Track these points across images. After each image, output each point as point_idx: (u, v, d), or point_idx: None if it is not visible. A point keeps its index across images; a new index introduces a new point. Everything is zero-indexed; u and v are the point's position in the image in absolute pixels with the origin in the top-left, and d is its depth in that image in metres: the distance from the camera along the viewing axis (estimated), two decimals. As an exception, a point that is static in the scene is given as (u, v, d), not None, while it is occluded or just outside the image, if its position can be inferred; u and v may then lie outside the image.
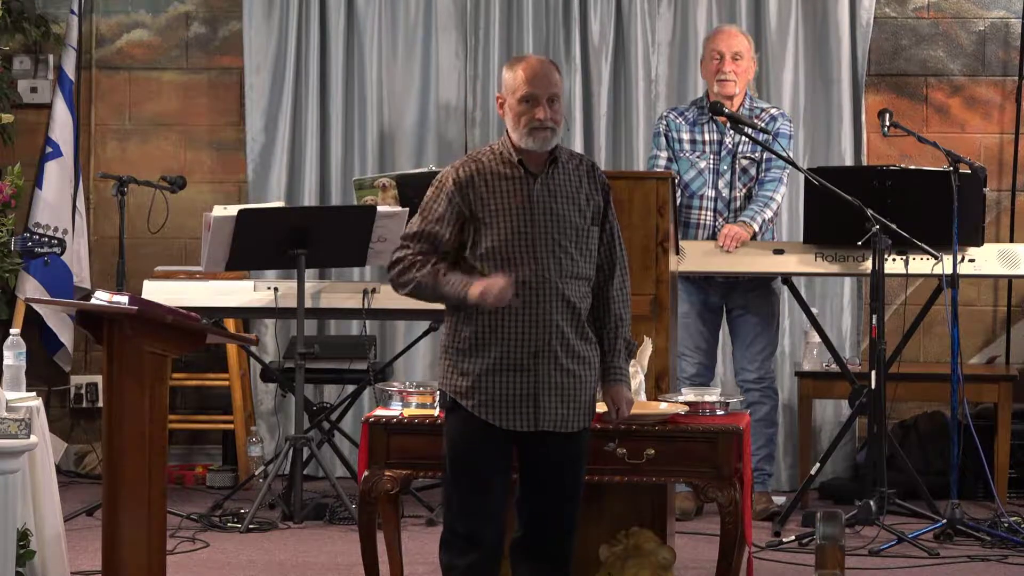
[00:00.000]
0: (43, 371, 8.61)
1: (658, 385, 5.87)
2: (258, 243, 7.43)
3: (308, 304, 7.52)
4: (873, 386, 7.00)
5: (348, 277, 8.44)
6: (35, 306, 8.37)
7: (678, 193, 7.38)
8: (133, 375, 5.03)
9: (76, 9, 8.71)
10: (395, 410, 5.51)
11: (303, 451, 7.53)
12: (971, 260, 7.35)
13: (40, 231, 6.79)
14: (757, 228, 7.51)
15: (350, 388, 8.17)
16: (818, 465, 7.51)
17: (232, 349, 8.49)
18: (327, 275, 8.50)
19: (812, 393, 8.07)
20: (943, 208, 7.10)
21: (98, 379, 8.62)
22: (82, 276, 8.66)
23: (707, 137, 7.62)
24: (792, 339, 8.51)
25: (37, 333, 8.59)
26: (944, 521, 7.04)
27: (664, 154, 7.63)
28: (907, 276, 7.48)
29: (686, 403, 5.53)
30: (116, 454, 5.05)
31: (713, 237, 7.52)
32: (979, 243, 7.34)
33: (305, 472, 7.62)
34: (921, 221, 7.12)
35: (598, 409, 5.07)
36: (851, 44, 8.52)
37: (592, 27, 8.63)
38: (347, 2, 8.71)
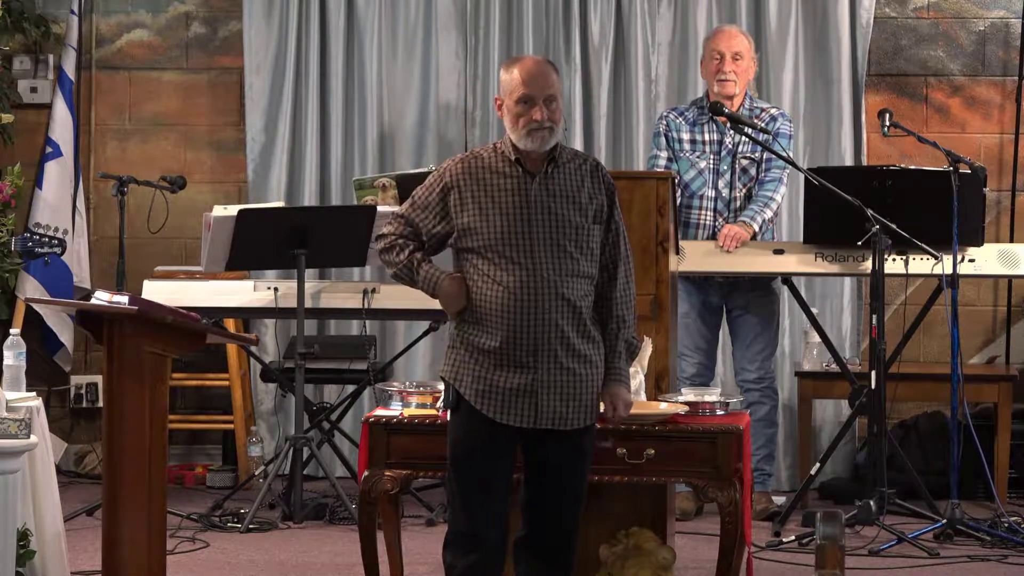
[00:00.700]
0: (43, 371, 8.62)
1: (658, 385, 5.88)
2: (258, 243, 7.43)
3: (308, 304, 7.52)
4: (873, 386, 7.00)
5: (348, 277, 8.44)
6: (35, 306, 8.37)
7: (678, 193, 7.38)
8: (133, 375, 5.03)
9: (76, 9, 8.71)
10: (395, 410, 5.51)
11: (303, 451, 7.53)
12: (971, 260, 7.35)
13: (40, 231, 6.80)
14: (757, 228, 7.51)
15: (350, 388, 8.17)
16: (818, 465, 7.51)
17: (232, 349, 8.49)
18: (327, 275, 8.50)
19: (812, 393, 8.07)
20: (943, 208, 7.10)
21: (98, 379, 8.62)
22: (82, 276, 8.66)
23: (707, 137, 7.62)
24: (792, 339, 8.51)
25: (37, 333, 8.59)
26: (944, 521, 7.04)
27: (664, 154, 7.63)
28: (907, 276, 7.48)
29: (686, 403, 5.53)
30: (116, 454, 5.05)
31: (713, 237, 7.52)
32: (979, 243, 7.34)
33: (305, 472, 7.62)
34: (921, 221, 7.12)
35: (601, 408, 5.07)
36: (851, 44, 8.52)
37: (592, 27, 8.63)
38: (347, 2, 8.71)
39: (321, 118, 8.73)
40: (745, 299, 7.69)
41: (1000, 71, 8.60)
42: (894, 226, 6.98)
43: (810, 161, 8.36)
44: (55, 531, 5.56)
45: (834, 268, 7.43)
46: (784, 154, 7.32)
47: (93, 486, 8.09)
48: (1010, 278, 8.24)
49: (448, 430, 5.06)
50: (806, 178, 7.22)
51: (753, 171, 7.61)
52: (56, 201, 8.58)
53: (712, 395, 5.64)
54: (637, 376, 5.53)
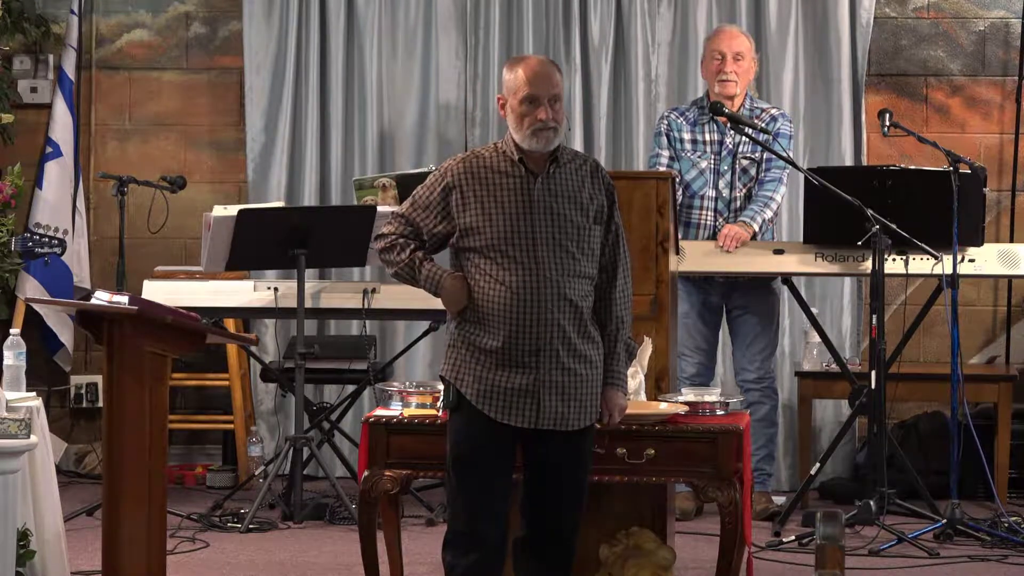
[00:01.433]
0: (43, 371, 8.61)
1: (658, 385, 5.87)
2: (258, 243, 7.43)
3: (308, 304, 7.52)
4: (873, 386, 7.00)
5: (348, 277, 8.44)
6: (35, 306, 8.37)
7: (679, 193, 7.38)
8: (133, 375, 5.03)
9: (76, 9, 8.71)
10: (395, 410, 5.51)
11: (303, 451, 7.53)
12: (971, 260, 7.35)
13: (40, 231, 6.80)
14: (757, 228, 7.51)
15: (350, 388, 8.17)
16: (818, 465, 7.51)
17: (232, 349, 8.49)
18: (327, 275, 8.50)
19: (812, 393, 8.07)
20: (943, 208, 7.10)
21: (98, 379, 8.62)
22: (82, 276, 8.66)
23: (708, 137, 7.62)
24: (792, 339, 8.50)
25: (37, 333, 8.58)
26: (944, 521, 7.04)
27: (666, 153, 7.63)
28: (907, 276, 7.48)
29: (686, 403, 5.53)
30: (116, 454, 5.05)
31: (713, 237, 7.52)
32: (979, 243, 7.34)
33: (305, 472, 7.62)
34: (921, 221, 7.12)
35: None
36: (851, 44, 8.52)
37: (592, 27, 8.63)
38: (347, 2, 8.71)
39: (321, 118, 8.73)
40: (745, 299, 7.69)
41: (1000, 71, 8.60)
42: (894, 226, 6.98)
43: (810, 161, 8.36)
44: (55, 531, 5.56)
45: (834, 268, 7.43)
46: (784, 154, 7.32)
47: (93, 486, 8.09)
48: (1010, 278, 8.24)
49: (448, 430, 5.06)
50: (806, 178, 7.22)
51: (753, 171, 7.61)
52: (56, 201, 8.58)
53: (712, 395, 5.64)
54: (637, 376, 5.53)
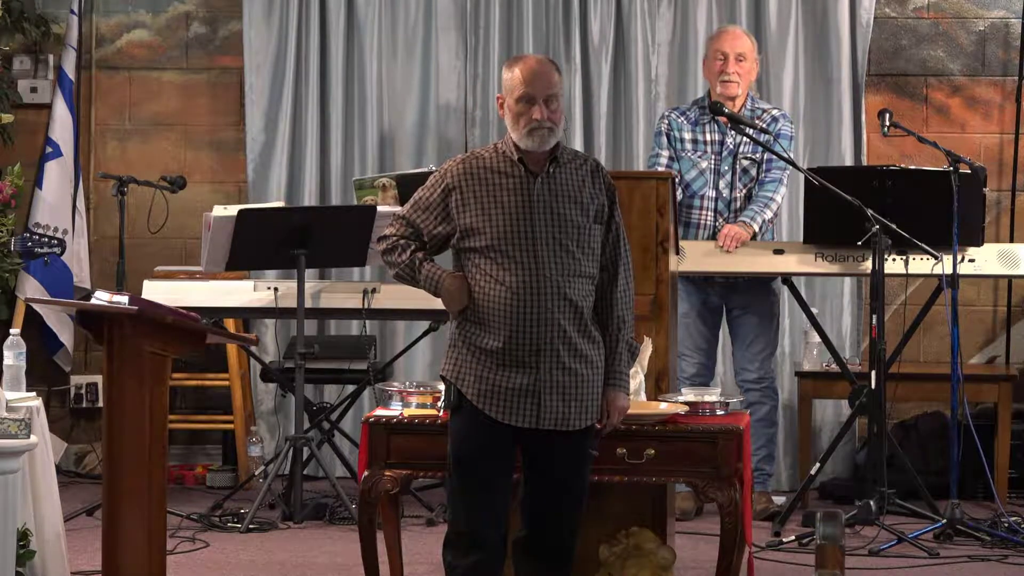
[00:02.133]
0: (43, 371, 8.61)
1: (658, 385, 5.87)
2: (258, 243, 7.43)
3: (308, 304, 7.52)
4: (873, 386, 7.00)
5: (348, 277, 8.44)
6: (35, 306, 8.37)
7: (679, 193, 7.38)
8: (133, 375, 5.03)
9: (76, 9, 8.71)
10: (395, 410, 5.51)
11: (303, 451, 7.53)
12: (971, 260, 7.35)
13: (40, 231, 6.79)
14: (757, 228, 7.51)
15: (350, 388, 8.17)
16: (818, 465, 7.51)
17: (232, 349, 8.49)
18: (327, 275, 8.50)
19: (812, 393, 8.08)
20: (943, 208, 7.10)
21: (98, 379, 8.62)
22: (82, 276, 8.66)
23: (709, 137, 7.62)
24: (792, 339, 8.51)
25: (37, 333, 8.58)
26: (944, 521, 7.04)
27: (666, 153, 7.63)
28: (907, 276, 7.48)
29: (686, 403, 5.53)
30: (116, 454, 5.05)
31: (713, 237, 7.52)
32: (979, 243, 7.34)
33: (305, 472, 7.62)
34: (921, 221, 7.12)
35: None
36: (851, 44, 8.52)
37: (592, 27, 8.63)
38: (347, 2, 8.71)
39: (321, 118, 8.74)
40: (745, 299, 7.69)
41: (1000, 71, 8.60)
42: (894, 226, 6.98)
43: (810, 161, 8.36)
44: (55, 531, 5.56)
45: (834, 268, 7.43)
46: (785, 155, 7.32)
47: (93, 486, 8.09)
48: (1010, 278, 8.24)
49: (449, 430, 5.06)
50: (806, 178, 7.22)
51: (754, 172, 7.61)
52: (56, 201, 8.58)
53: (712, 395, 5.64)
54: (637, 376, 5.53)
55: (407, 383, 5.77)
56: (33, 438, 5.11)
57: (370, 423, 5.44)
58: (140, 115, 8.92)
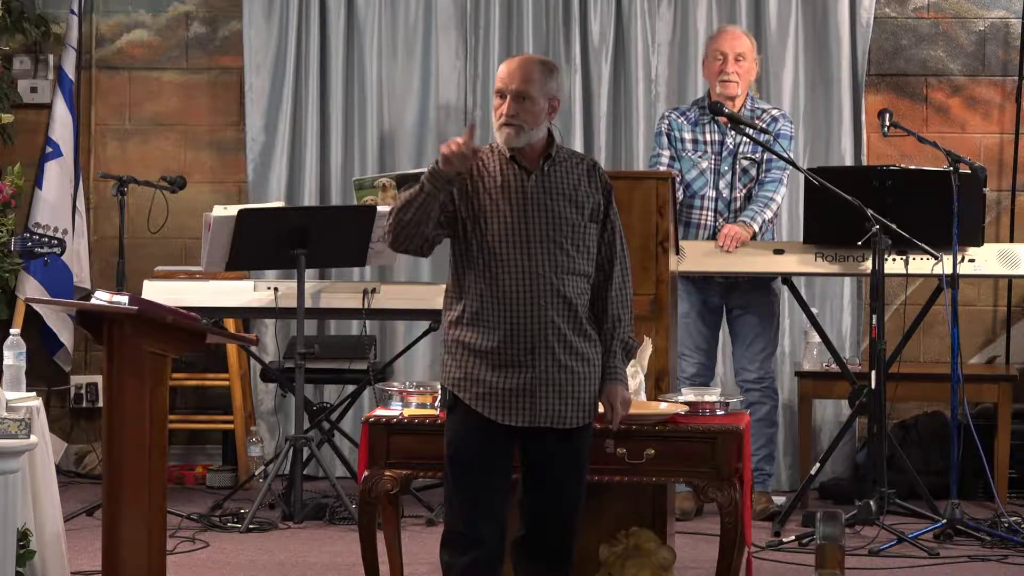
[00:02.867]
0: (43, 371, 8.61)
1: (658, 385, 5.87)
2: (258, 243, 7.43)
3: (308, 304, 7.52)
4: (873, 386, 7.00)
5: (348, 277, 8.44)
6: (35, 306, 8.37)
7: (679, 193, 7.38)
8: (133, 375, 5.03)
9: (76, 9, 8.71)
10: (395, 410, 5.51)
11: (303, 451, 7.53)
12: (971, 260, 7.35)
13: (40, 231, 6.79)
14: (757, 228, 7.51)
15: (350, 388, 8.17)
16: (818, 465, 7.51)
17: (232, 349, 8.49)
18: (327, 275, 8.50)
19: (812, 393, 8.07)
20: (943, 208, 7.10)
21: (98, 379, 8.62)
22: (82, 276, 8.66)
23: (709, 137, 7.62)
24: (792, 339, 8.51)
25: (37, 333, 8.59)
26: (944, 521, 7.04)
27: (667, 152, 7.63)
28: (907, 276, 7.48)
29: (686, 403, 5.53)
30: (116, 454, 5.05)
31: (713, 237, 7.52)
32: (979, 243, 7.34)
33: (305, 472, 7.62)
34: (921, 221, 7.12)
35: (600, 409, 5.07)
36: (851, 44, 8.52)
37: (592, 27, 8.63)
38: (347, 2, 8.71)
39: (321, 118, 8.74)
40: (745, 299, 7.69)
41: (1000, 71, 8.60)
42: (894, 226, 6.98)
43: (810, 161, 8.36)
44: (55, 531, 5.56)
45: (834, 268, 7.43)
46: (785, 155, 7.33)
47: (93, 486, 8.09)
48: (1010, 278, 8.24)
49: (445, 429, 5.05)
50: (806, 178, 7.22)
51: (754, 172, 7.62)
52: (56, 201, 8.58)
53: (712, 395, 5.64)
54: (637, 376, 5.53)
55: (407, 383, 5.77)
56: (33, 438, 5.11)
57: (370, 423, 5.44)
58: (140, 115, 8.92)
